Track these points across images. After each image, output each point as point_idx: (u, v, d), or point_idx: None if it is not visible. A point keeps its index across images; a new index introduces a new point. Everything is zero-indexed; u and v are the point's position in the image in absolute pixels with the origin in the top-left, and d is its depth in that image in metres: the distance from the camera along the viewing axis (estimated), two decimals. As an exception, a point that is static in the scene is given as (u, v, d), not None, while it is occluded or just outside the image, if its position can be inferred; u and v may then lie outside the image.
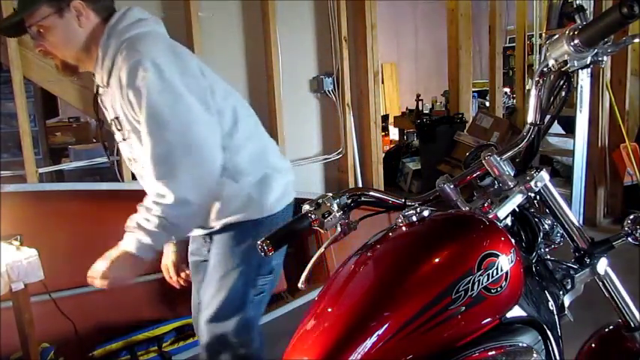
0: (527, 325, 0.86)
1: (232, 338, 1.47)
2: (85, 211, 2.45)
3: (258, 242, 0.91)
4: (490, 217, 0.89)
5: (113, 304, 2.46)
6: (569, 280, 0.98)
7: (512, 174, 0.95)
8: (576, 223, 1.00)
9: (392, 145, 6.79)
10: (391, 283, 0.77)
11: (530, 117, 0.94)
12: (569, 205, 3.52)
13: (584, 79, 3.62)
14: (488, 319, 0.79)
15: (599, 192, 3.89)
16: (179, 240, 1.63)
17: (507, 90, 6.25)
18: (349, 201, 0.96)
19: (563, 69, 0.88)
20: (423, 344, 0.75)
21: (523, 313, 0.85)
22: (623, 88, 3.74)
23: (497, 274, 0.78)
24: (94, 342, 2.43)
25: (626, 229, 0.98)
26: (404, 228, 0.86)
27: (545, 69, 0.90)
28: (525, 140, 0.95)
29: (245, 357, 1.49)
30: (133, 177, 2.37)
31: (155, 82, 1.26)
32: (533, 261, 0.96)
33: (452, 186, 0.98)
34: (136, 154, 1.42)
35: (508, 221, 0.94)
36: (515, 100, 5.71)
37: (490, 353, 0.78)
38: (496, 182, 0.97)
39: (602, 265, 0.99)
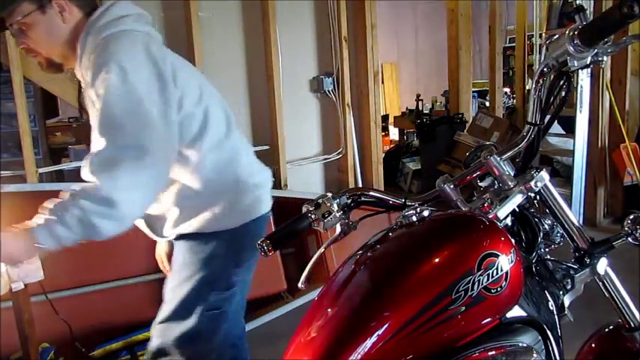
0: (527, 325, 0.86)
1: (174, 348, 1.41)
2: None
3: (258, 242, 0.91)
4: (490, 217, 0.89)
5: (113, 304, 2.46)
6: (569, 280, 0.98)
7: (512, 174, 0.95)
8: (576, 223, 1.00)
9: (392, 145, 6.79)
10: (391, 283, 0.77)
11: (530, 117, 0.94)
12: (569, 205, 3.52)
13: (584, 79, 3.62)
14: (488, 319, 0.79)
15: (599, 192, 3.89)
16: None
17: (507, 90, 6.25)
18: (349, 201, 0.96)
19: (563, 69, 0.88)
20: (423, 344, 0.75)
21: (523, 313, 0.85)
22: (623, 88, 3.74)
23: (497, 274, 0.78)
24: (94, 342, 2.43)
25: (626, 229, 0.98)
26: (404, 228, 0.86)
27: (545, 69, 0.90)
28: (525, 140, 0.95)
29: None
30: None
31: (116, 85, 1.20)
32: (533, 261, 0.96)
33: (452, 186, 0.98)
34: None
35: (508, 221, 0.94)
36: (515, 100, 5.71)
37: (490, 353, 0.78)
38: (496, 182, 0.97)
39: (602, 265, 0.99)
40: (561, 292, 0.98)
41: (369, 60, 3.41)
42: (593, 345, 1.15)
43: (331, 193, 0.95)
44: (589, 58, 0.86)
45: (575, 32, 0.82)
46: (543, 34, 5.09)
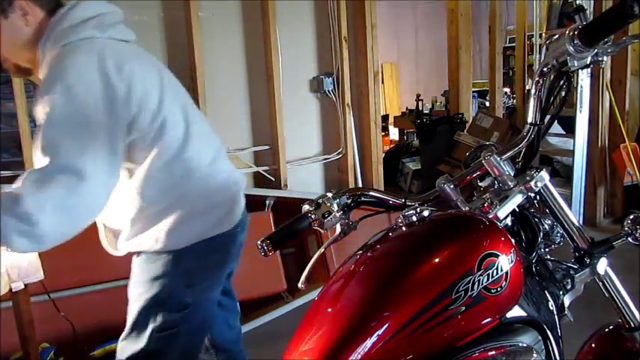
0: (527, 325, 0.86)
1: None
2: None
3: (258, 242, 0.91)
4: (490, 217, 0.89)
5: (113, 304, 2.45)
6: (569, 280, 0.98)
7: (512, 174, 0.95)
8: (576, 223, 1.00)
9: (392, 145, 6.79)
10: (391, 283, 0.77)
11: (530, 117, 0.94)
12: (569, 205, 3.52)
13: (584, 79, 3.62)
14: (489, 319, 0.79)
15: (599, 192, 3.89)
16: None
17: (507, 90, 6.25)
18: (349, 201, 0.96)
19: (563, 69, 0.88)
20: (423, 344, 0.75)
21: (523, 313, 0.85)
22: (623, 88, 3.74)
23: (497, 274, 0.78)
24: (95, 342, 2.44)
25: (626, 229, 0.99)
26: (404, 228, 0.86)
27: (545, 69, 0.90)
28: (525, 140, 0.95)
29: None
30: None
31: (61, 104, 1.14)
32: (533, 261, 0.96)
33: (452, 186, 0.98)
34: None
35: (508, 221, 0.94)
36: (515, 100, 5.71)
37: (490, 353, 0.78)
38: (496, 182, 0.97)
39: (602, 265, 0.99)
40: (561, 292, 0.98)
41: (369, 60, 3.41)
42: (593, 345, 1.15)
43: (331, 193, 0.95)
44: (589, 58, 0.86)
45: (575, 32, 0.82)
46: (543, 34, 5.09)
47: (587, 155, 3.75)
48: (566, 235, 1.00)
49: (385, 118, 7.17)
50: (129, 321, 1.38)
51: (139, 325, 1.36)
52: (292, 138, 3.24)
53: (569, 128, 3.83)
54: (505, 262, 0.79)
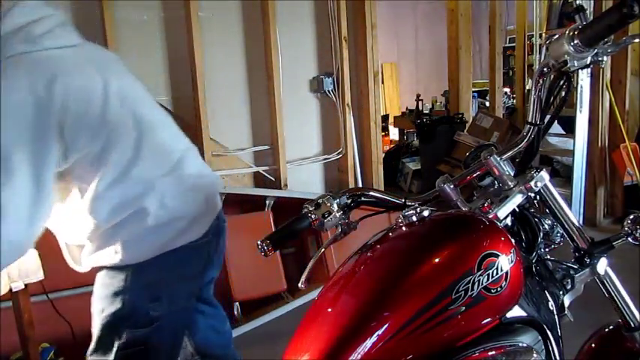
0: (527, 325, 0.86)
1: None
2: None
3: (258, 242, 0.91)
4: (490, 217, 0.89)
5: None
6: (569, 280, 0.98)
7: (512, 174, 0.95)
8: (576, 223, 1.00)
9: (392, 145, 6.79)
10: (391, 283, 0.77)
11: (530, 117, 0.94)
12: (569, 205, 3.52)
13: (584, 79, 3.62)
14: (488, 319, 0.79)
15: (599, 192, 3.89)
16: None
17: (507, 90, 6.25)
18: (349, 201, 0.97)
19: (563, 69, 0.88)
20: (423, 344, 0.75)
21: (523, 313, 0.85)
22: (623, 88, 3.74)
23: (497, 274, 0.78)
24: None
25: (626, 229, 0.99)
26: (404, 228, 0.86)
27: (545, 69, 0.90)
28: (525, 140, 0.95)
29: None
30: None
31: None
32: (533, 261, 0.96)
33: (452, 186, 0.98)
34: None
35: (508, 221, 0.94)
36: (515, 100, 5.71)
37: (490, 353, 0.78)
38: (496, 182, 0.97)
39: (602, 265, 0.99)
40: (561, 292, 0.98)
41: (369, 60, 3.41)
42: (593, 345, 1.15)
43: (331, 193, 0.95)
44: (589, 58, 0.86)
45: (575, 32, 0.82)
46: (543, 34, 5.09)
47: (587, 155, 3.75)
48: (566, 235, 1.00)
49: (385, 118, 7.17)
50: (93, 337, 1.33)
51: (103, 343, 1.31)
52: (292, 138, 3.24)
53: (569, 128, 3.83)
54: (505, 262, 0.79)
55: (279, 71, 3.09)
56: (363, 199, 0.99)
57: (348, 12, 3.32)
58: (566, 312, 0.98)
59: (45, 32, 1.15)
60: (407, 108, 6.92)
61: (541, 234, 0.97)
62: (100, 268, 1.33)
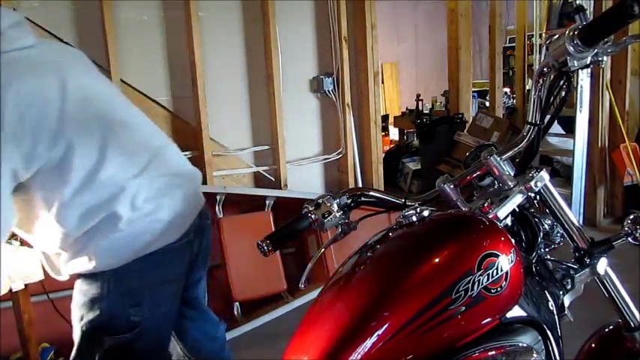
0: (527, 325, 0.86)
1: None
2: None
3: (258, 242, 0.91)
4: (490, 217, 0.89)
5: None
6: (569, 280, 0.98)
7: (512, 174, 0.95)
8: (576, 223, 1.00)
9: (392, 145, 6.79)
10: (391, 283, 0.77)
11: (530, 117, 0.94)
12: (569, 205, 3.52)
13: (584, 79, 3.62)
14: (488, 319, 0.79)
15: (599, 192, 3.89)
16: None
17: (507, 90, 6.25)
18: (349, 201, 0.97)
19: (563, 69, 0.88)
20: (423, 344, 0.75)
21: (523, 313, 0.85)
22: (623, 88, 3.74)
23: (497, 274, 0.78)
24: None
25: (626, 229, 0.98)
26: (404, 228, 0.86)
27: (545, 69, 0.90)
28: (525, 140, 0.95)
29: None
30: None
31: None
32: (533, 261, 0.96)
33: (452, 186, 0.98)
34: None
35: (508, 221, 0.94)
36: (515, 100, 5.71)
37: (490, 353, 0.78)
38: (496, 182, 0.97)
39: (602, 265, 0.99)
40: (561, 292, 0.98)
41: (369, 60, 3.41)
42: (593, 345, 1.15)
43: (331, 193, 0.95)
44: (589, 58, 0.86)
45: (575, 32, 0.82)
46: (543, 34, 5.09)
47: (587, 155, 3.75)
48: (566, 235, 1.00)
49: (385, 118, 7.17)
50: (75, 344, 1.31)
51: (83, 351, 1.29)
52: (292, 138, 3.24)
53: (569, 128, 3.83)
54: (505, 262, 0.79)
55: (279, 71, 3.09)
56: (363, 199, 0.99)
57: (348, 12, 3.32)
58: (566, 312, 0.98)
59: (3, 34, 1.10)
60: (407, 108, 6.92)
61: (541, 234, 0.97)
62: (78, 275, 1.29)
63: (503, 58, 5.38)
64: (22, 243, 1.82)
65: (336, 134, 3.42)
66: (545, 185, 0.95)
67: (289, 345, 0.80)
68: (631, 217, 0.99)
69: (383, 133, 5.76)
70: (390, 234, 0.88)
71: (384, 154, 4.55)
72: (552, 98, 0.92)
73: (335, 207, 0.93)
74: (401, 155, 5.73)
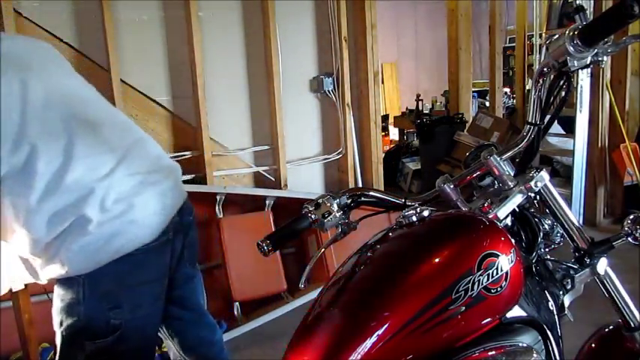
0: (527, 325, 0.86)
1: None
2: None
3: (258, 242, 0.91)
4: (490, 217, 0.89)
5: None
6: (569, 280, 0.98)
7: (512, 174, 0.95)
8: (576, 223, 1.00)
9: (392, 145, 6.79)
10: (391, 283, 0.77)
11: (530, 117, 0.94)
12: (569, 205, 3.52)
13: (584, 79, 3.62)
14: (488, 319, 0.79)
15: (599, 192, 3.89)
16: None
17: (507, 90, 6.26)
18: (349, 201, 0.97)
19: (563, 69, 0.88)
20: (423, 344, 0.75)
21: (523, 313, 0.85)
22: (623, 88, 3.74)
23: (497, 274, 0.78)
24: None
25: (626, 229, 0.98)
26: (404, 228, 0.86)
27: (545, 69, 0.90)
28: (525, 140, 0.95)
29: None
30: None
31: None
32: (533, 261, 0.96)
33: (452, 186, 0.98)
34: None
35: (508, 221, 0.94)
36: (515, 100, 5.71)
37: (490, 353, 0.78)
38: (496, 182, 0.97)
39: (602, 265, 0.99)
40: (561, 292, 0.98)
41: (369, 60, 3.41)
42: (593, 345, 1.15)
43: (331, 193, 0.95)
44: (589, 58, 0.86)
45: (575, 32, 0.82)
46: (543, 34, 5.09)
47: (587, 155, 3.75)
48: (566, 235, 1.00)
49: (385, 118, 7.17)
50: (57, 350, 1.29)
51: (65, 356, 1.27)
52: (292, 138, 3.24)
53: (569, 128, 3.83)
54: (505, 262, 0.79)
55: (279, 71, 3.09)
56: (363, 199, 0.99)
57: (348, 12, 3.32)
58: (566, 312, 0.98)
59: None
60: (407, 108, 6.92)
61: (541, 234, 0.97)
62: (56, 280, 1.27)
63: (503, 58, 5.38)
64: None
65: (336, 134, 3.42)
66: (545, 185, 0.95)
67: (289, 345, 0.80)
68: (631, 217, 0.99)
69: (383, 133, 5.75)
70: (390, 234, 0.88)
71: (384, 154, 4.55)
72: (552, 98, 0.92)
73: (335, 207, 0.93)
74: (401, 155, 5.73)
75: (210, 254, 2.92)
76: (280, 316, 2.78)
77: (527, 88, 5.22)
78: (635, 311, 1.05)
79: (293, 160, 3.29)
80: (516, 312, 0.84)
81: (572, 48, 0.83)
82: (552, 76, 0.91)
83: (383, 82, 8.88)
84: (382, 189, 3.26)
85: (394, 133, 7.51)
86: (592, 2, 3.58)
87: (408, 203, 0.99)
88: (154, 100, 2.83)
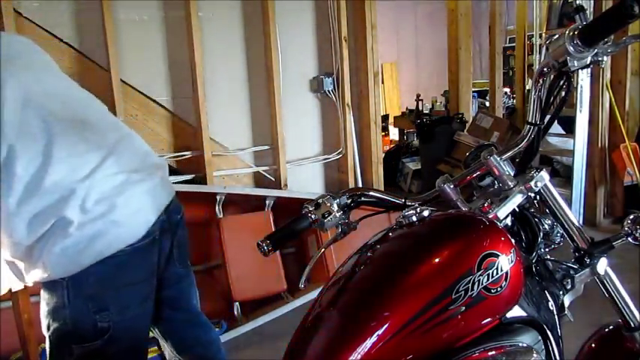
0: (527, 325, 0.86)
1: None
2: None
3: (258, 242, 0.91)
4: (490, 217, 0.89)
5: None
6: (569, 280, 0.98)
7: (512, 174, 0.95)
8: (576, 223, 1.00)
9: (392, 145, 6.79)
10: (391, 283, 0.77)
11: (530, 117, 0.94)
12: (569, 205, 3.52)
13: (584, 79, 3.62)
14: (488, 319, 0.79)
15: (599, 192, 3.89)
16: None
17: (507, 90, 6.25)
18: (349, 201, 0.97)
19: (563, 69, 0.88)
20: (423, 344, 0.75)
21: (523, 313, 0.85)
22: (623, 88, 3.74)
23: (497, 274, 0.78)
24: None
25: (626, 229, 0.98)
26: (404, 228, 0.86)
27: (545, 69, 0.90)
28: (525, 140, 0.95)
29: None
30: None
31: None
32: (533, 261, 0.96)
33: (452, 186, 0.98)
34: None
35: (508, 221, 0.94)
36: (515, 100, 5.71)
37: (490, 353, 0.78)
38: (496, 182, 0.97)
39: (602, 265, 0.99)
40: (561, 292, 0.98)
41: (369, 60, 3.41)
42: (593, 345, 1.15)
43: (331, 193, 0.95)
44: (589, 58, 0.86)
45: (575, 32, 0.82)
46: (543, 34, 5.09)
47: (587, 155, 3.75)
48: (566, 235, 1.00)
49: (385, 118, 7.17)
50: (47, 354, 1.27)
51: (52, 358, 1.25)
52: (292, 138, 3.24)
53: (569, 128, 3.83)
54: (505, 262, 0.79)
55: (279, 71, 3.09)
56: (363, 199, 0.99)
57: (348, 12, 3.32)
58: (566, 312, 0.98)
59: None
60: (407, 108, 6.92)
61: (541, 234, 0.97)
62: (41, 284, 1.24)
63: (503, 58, 5.38)
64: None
65: (336, 134, 3.42)
66: (545, 185, 0.95)
67: (289, 345, 0.80)
68: (631, 217, 0.99)
69: (383, 133, 5.75)
70: (390, 234, 0.88)
71: (384, 154, 4.55)
72: (552, 98, 0.92)
73: (335, 207, 0.93)
74: (401, 155, 5.73)
75: (210, 254, 2.92)
76: (280, 316, 2.78)
77: (527, 88, 5.22)
78: (635, 311, 1.05)
79: (293, 160, 3.29)
80: (516, 312, 0.84)
81: (572, 48, 0.83)
82: (552, 76, 0.91)
83: (383, 82, 8.88)
84: (382, 189, 3.26)
85: (394, 133, 7.51)
86: (592, 2, 3.58)
87: (408, 203, 0.99)
88: (154, 100, 2.83)
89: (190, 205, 2.54)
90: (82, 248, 1.17)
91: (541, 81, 0.91)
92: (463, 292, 0.75)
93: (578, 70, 0.87)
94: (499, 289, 0.78)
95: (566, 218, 0.99)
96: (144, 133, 2.73)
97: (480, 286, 0.76)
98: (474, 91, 5.48)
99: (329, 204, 0.93)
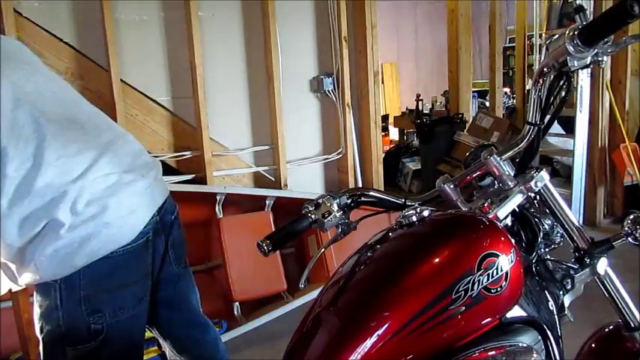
0: (527, 325, 0.86)
1: None
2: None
3: (258, 242, 0.91)
4: (490, 217, 0.89)
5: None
6: (569, 280, 0.98)
7: (512, 174, 0.95)
8: (576, 223, 1.00)
9: (392, 145, 6.79)
10: (391, 283, 0.77)
11: (530, 117, 0.94)
12: (569, 205, 3.52)
13: (584, 79, 3.62)
14: (488, 319, 0.79)
15: (599, 192, 3.89)
16: None
17: (507, 90, 6.26)
18: (349, 201, 0.97)
19: (563, 69, 0.88)
20: (423, 344, 0.75)
21: (523, 313, 0.85)
22: (623, 88, 3.74)
23: (497, 274, 0.78)
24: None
25: (626, 229, 0.98)
26: (404, 228, 0.86)
27: (545, 69, 0.90)
28: (525, 140, 0.95)
29: None
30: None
31: None
32: (533, 261, 0.96)
33: (452, 186, 0.98)
34: None
35: (508, 221, 0.94)
36: (515, 100, 5.71)
37: (490, 353, 0.78)
38: (496, 182, 0.97)
39: (602, 265, 0.99)
40: (561, 292, 0.98)
41: (369, 60, 3.41)
42: (593, 345, 1.15)
43: (331, 193, 0.95)
44: (589, 58, 0.86)
45: (575, 32, 0.82)
46: (543, 34, 5.09)
47: (587, 155, 3.75)
48: (566, 235, 1.00)
49: (385, 118, 7.17)
50: (41, 356, 1.26)
51: None
52: (292, 138, 3.24)
53: (569, 128, 3.83)
54: (505, 262, 0.79)
55: (279, 71, 3.09)
56: (363, 199, 0.99)
57: (348, 12, 3.32)
58: (566, 312, 0.98)
59: None
60: (407, 108, 6.92)
61: (541, 234, 0.97)
62: (34, 286, 1.24)
63: (503, 58, 5.38)
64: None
65: (336, 134, 3.42)
66: (545, 185, 0.95)
67: (289, 345, 0.80)
68: (631, 217, 0.99)
69: (383, 133, 5.75)
70: (390, 234, 0.88)
71: (384, 154, 4.55)
72: (552, 98, 0.92)
73: (335, 207, 0.93)
74: (401, 155, 5.73)
75: (210, 254, 2.92)
76: (280, 316, 2.78)
77: (527, 88, 5.22)
78: (635, 311, 1.05)
79: (293, 160, 3.29)
80: (516, 312, 0.84)
81: (572, 48, 0.83)
82: (552, 76, 0.91)
83: (383, 82, 8.88)
84: (382, 189, 3.26)
85: (394, 133, 7.51)
86: (592, 2, 3.58)
87: (408, 203, 0.99)
88: (154, 100, 2.83)
89: (190, 205, 2.54)
90: (74, 250, 1.16)
91: (541, 81, 0.91)
92: (463, 292, 0.75)
93: (578, 70, 0.87)
94: (499, 289, 0.78)
95: (566, 218, 0.99)
96: (144, 133, 2.73)
97: (480, 286, 0.76)
98: (474, 91, 5.48)
99: (329, 204, 0.93)
